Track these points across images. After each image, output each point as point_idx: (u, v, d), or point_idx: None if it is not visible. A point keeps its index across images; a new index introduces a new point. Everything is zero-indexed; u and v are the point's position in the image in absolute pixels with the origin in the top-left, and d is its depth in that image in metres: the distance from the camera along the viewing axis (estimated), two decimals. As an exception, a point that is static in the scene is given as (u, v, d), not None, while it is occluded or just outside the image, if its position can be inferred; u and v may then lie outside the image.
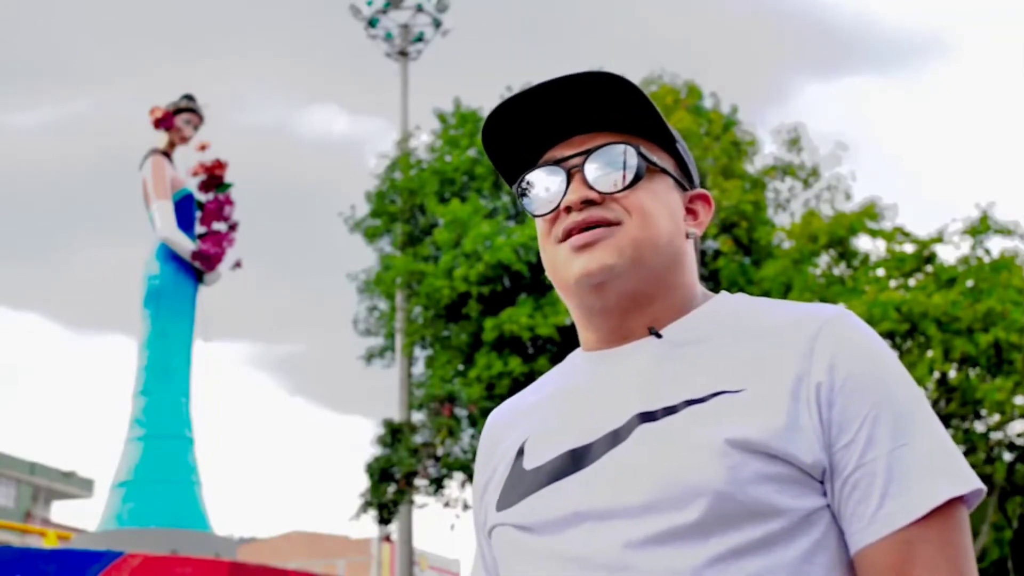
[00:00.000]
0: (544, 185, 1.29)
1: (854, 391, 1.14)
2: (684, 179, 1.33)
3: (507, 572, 1.25)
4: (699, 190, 1.36)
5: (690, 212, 1.33)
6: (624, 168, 1.25)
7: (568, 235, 1.26)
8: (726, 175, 17.36)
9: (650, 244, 1.24)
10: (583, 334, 1.33)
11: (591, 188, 1.25)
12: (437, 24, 21.79)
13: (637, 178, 1.25)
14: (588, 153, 1.26)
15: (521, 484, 1.24)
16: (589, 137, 1.29)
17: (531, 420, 1.31)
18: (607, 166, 1.26)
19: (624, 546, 1.11)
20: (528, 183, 1.30)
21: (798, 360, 1.15)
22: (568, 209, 1.26)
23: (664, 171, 1.29)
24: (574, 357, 1.36)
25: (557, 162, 1.28)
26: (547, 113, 1.28)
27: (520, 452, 1.28)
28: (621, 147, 1.26)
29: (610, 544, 1.12)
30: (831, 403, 1.13)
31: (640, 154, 1.26)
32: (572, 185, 1.26)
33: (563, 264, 1.26)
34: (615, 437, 1.18)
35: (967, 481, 1.12)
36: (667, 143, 1.31)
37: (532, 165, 1.32)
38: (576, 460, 1.20)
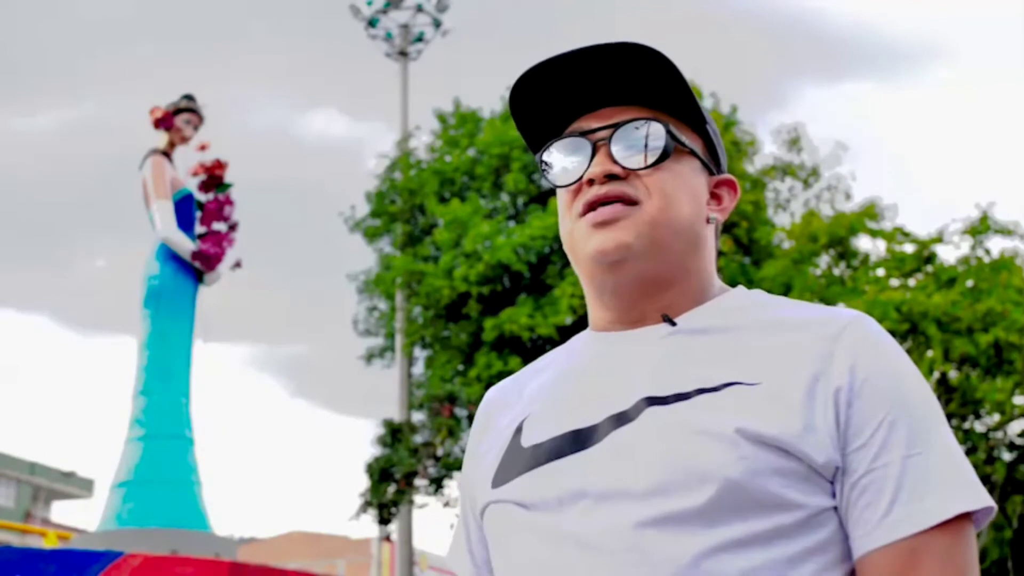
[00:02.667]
0: (568, 156, 1.26)
1: (873, 394, 1.12)
2: (712, 162, 1.30)
3: (502, 550, 1.23)
4: (725, 175, 1.33)
5: (715, 197, 1.31)
6: (650, 146, 1.22)
7: (588, 208, 1.23)
8: (726, 175, 17.33)
9: (669, 226, 1.22)
10: (594, 312, 1.30)
11: (616, 163, 1.22)
12: (437, 24, 21.77)
13: (663, 157, 1.22)
14: (616, 127, 1.23)
15: (519, 461, 1.22)
16: (618, 110, 1.25)
17: (531, 399, 1.29)
18: (634, 142, 1.22)
19: (625, 527, 1.09)
20: (552, 153, 1.27)
21: (817, 359, 1.14)
22: (590, 182, 1.23)
23: (692, 152, 1.26)
24: (581, 337, 1.34)
25: (583, 133, 1.25)
26: (578, 81, 1.25)
27: (518, 430, 1.25)
28: (649, 124, 1.23)
29: (611, 524, 1.10)
30: (849, 404, 1.12)
31: (669, 133, 1.23)
32: (597, 158, 1.23)
33: (580, 240, 1.24)
34: (620, 419, 1.16)
35: (979, 497, 1.11)
36: (697, 124, 1.28)
37: (558, 134, 1.29)
38: (580, 440, 1.17)
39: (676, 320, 1.23)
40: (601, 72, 1.24)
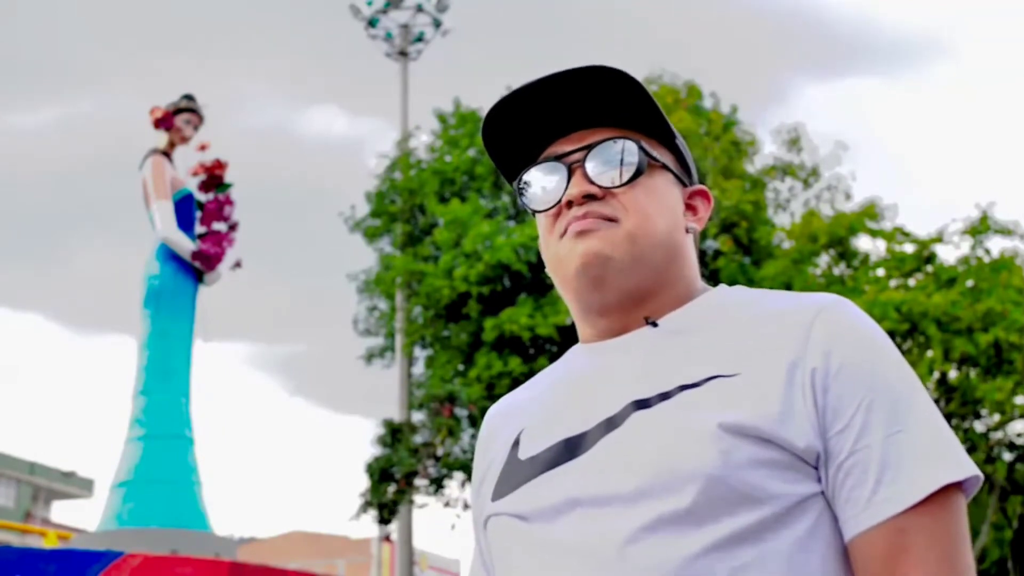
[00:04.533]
0: (545, 181, 1.29)
1: (849, 377, 1.13)
2: (684, 175, 1.34)
3: (501, 561, 1.25)
4: (698, 186, 1.36)
5: (689, 208, 1.34)
6: (624, 164, 1.25)
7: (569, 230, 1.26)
8: (726, 175, 17.36)
9: (648, 240, 1.24)
10: (581, 328, 1.33)
11: (592, 183, 1.25)
12: (437, 24, 21.78)
13: (638, 173, 1.25)
14: (589, 148, 1.26)
15: (516, 474, 1.24)
16: (590, 132, 1.28)
17: (527, 412, 1.31)
18: (607, 161, 1.25)
19: (616, 533, 1.10)
20: (528, 180, 1.30)
21: (794, 346, 1.15)
22: (569, 204, 1.26)
23: (664, 167, 1.30)
24: (572, 351, 1.36)
25: (558, 158, 1.28)
26: (548, 108, 1.28)
27: (516, 443, 1.28)
28: (621, 142, 1.26)
29: (603, 531, 1.12)
30: (826, 388, 1.13)
31: (641, 149, 1.26)
32: (573, 180, 1.26)
33: (564, 258, 1.26)
34: (609, 424, 1.18)
35: (962, 467, 1.11)
36: (667, 138, 1.31)
37: (532, 161, 1.32)
38: (571, 448, 1.19)
39: (658, 322, 1.25)
40: (569, 97, 1.27)
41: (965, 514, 1.13)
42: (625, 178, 1.25)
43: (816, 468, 1.13)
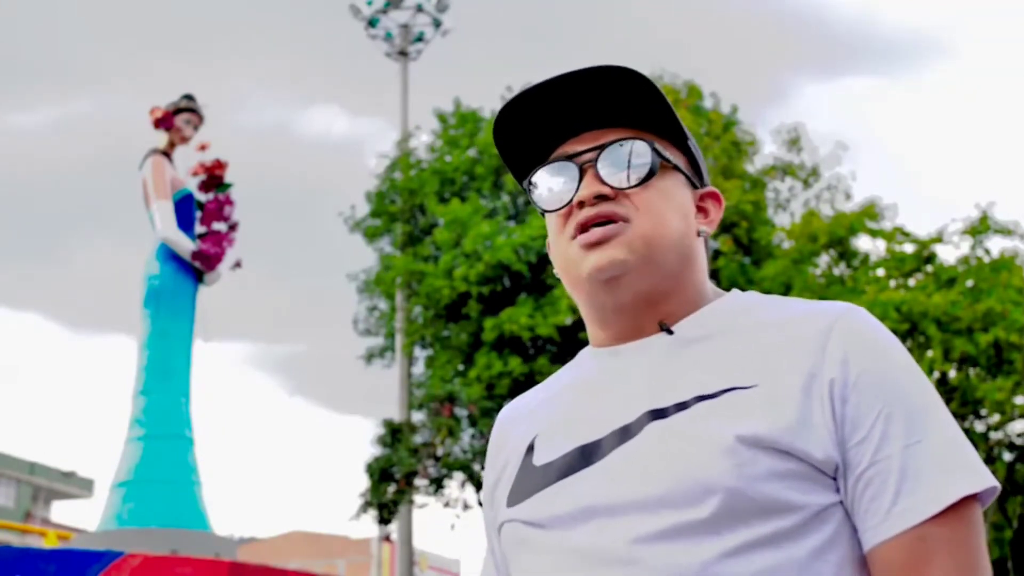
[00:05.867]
0: (556, 181, 1.28)
1: (868, 387, 1.13)
2: (695, 177, 1.33)
3: (516, 568, 1.25)
4: (709, 188, 1.35)
5: (701, 210, 1.33)
6: (636, 164, 1.24)
7: (581, 230, 1.25)
8: (726, 175, 17.34)
9: (661, 241, 1.24)
10: (593, 331, 1.32)
11: (603, 183, 1.24)
12: (437, 24, 21.79)
13: (650, 175, 1.24)
14: (601, 148, 1.25)
15: (531, 480, 1.24)
16: (602, 133, 1.27)
17: (540, 417, 1.30)
18: (620, 162, 1.25)
19: (633, 541, 1.11)
20: (539, 179, 1.29)
21: (811, 356, 1.15)
22: (580, 204, 1.25)
23: (676, 168, 1.29)
24: (584, 354, 1.36)
25: (569, 157, 1.27)
26: (559, 108, 1.27)
27: (530, 448, 1.27)
28: (634, 142, 1.25)
29: (618, 539, 1.12)
30: (844, 399, 1.13)
31: (653, 150, 1.25)
32: (585, 180, 1.25)
33: (574, 261, 1.25)
34: (625, 433, 1.18)
35: (982, 478, 1.12)
36: (679, 140, 1.31)
37: (543, 161, 1.31)
38: (586, 456, 1.19)
39: (673, 328, 1.25)
40: (581, 97, 1.26)
41: (982, 523, 1.14)
42: (637, 179, 1.24)
43: (834, 479, 1.13)
